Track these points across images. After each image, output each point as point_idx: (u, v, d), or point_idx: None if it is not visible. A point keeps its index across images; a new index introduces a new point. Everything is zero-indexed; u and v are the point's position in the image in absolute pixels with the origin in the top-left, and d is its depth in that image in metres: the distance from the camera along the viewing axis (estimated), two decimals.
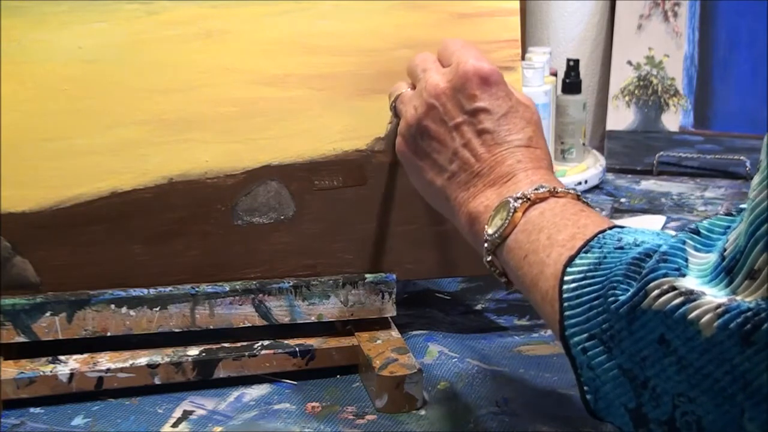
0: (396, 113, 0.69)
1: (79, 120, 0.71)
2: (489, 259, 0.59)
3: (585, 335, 0.50)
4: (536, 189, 0.58)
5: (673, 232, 0.51)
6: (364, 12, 0.75)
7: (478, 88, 0.63)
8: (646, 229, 0.53)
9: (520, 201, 0.57)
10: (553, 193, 0.58)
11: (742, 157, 1.25)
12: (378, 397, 0.67)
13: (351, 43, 0.75)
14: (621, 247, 0.50)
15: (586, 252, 0.52)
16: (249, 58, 0.74)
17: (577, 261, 0.52)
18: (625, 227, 0.54)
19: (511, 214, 0.57)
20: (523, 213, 0.57)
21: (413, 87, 0.68)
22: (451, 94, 0.63)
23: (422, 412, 0.67)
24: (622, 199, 1.17)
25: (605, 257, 0.50)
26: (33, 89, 0.70)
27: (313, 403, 0.68)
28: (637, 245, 0.50)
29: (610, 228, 0.53)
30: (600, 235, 0.52)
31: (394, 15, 0.76)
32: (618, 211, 1.12)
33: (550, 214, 0.56)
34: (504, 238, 0.57)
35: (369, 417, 0.67)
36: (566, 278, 0.51)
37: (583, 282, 0.50)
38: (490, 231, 0.58)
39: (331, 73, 0.75)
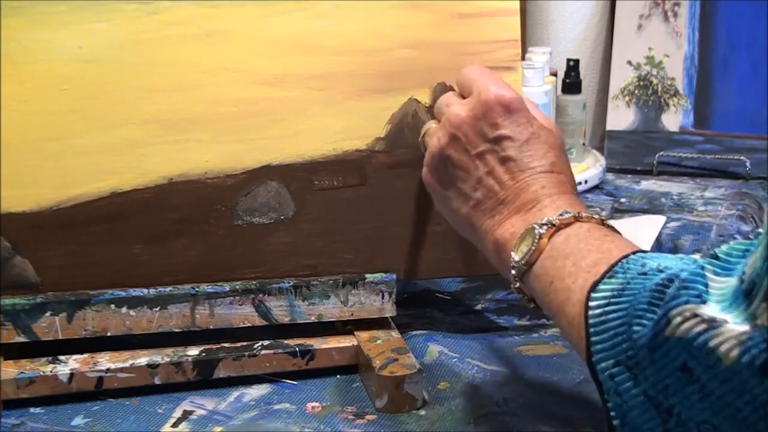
0: (425, 147, 0.70)
1: (79, 120, 0.71)
2: (517, 285, 0.59)
3: (611, 361, 0.50)
4: (561, 215, 0.58)
5: (697, 256, 0.51)
6: (364, 12, 0.75)
7: (500, 116, 0.63)
8: (669, 255, 0.53)
9: (545, 227, 0.58)
10: (577, 218, 0.58)
11: (742, 157, 1.25)
12: (378, 397, 0.67)
13: (351, 43, 0.75)
14: (644, 273, 0.50)
15: (609, 277, 0.52)
16: (249, 58, 0.74)
17: (601, 286, 0.52)
18: (649, 252, 0.54)
19: (536, 240, 0.57)
20: (549, 239, 0.57)
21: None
22: (473, 123, 0.64)
23: (422, 412, 0.67)
24: (622, 199, 1.17)
25: (629, 283, 0.51)
26: (33, 89, 0.70)
27: (313, 403, 0.68)
28: (661, 271, 0.50)
29: (634, 253, 0.53)
30: (624, 260, 0.53)
31: (394, 15, 0.76)
32: (618, 211, 1.12)
33: (575, 239, 0.56)
34: (530, 264, 0.58)
35: (369, 417, 0.67)
36: (591, 304, 0.51)
37: (607, 308, 0.51)
38: (516, 258, 0.59)
39: (331, 73, 0.75)
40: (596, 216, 0.59)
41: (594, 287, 0.52)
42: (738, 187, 1.22)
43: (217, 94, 0.73)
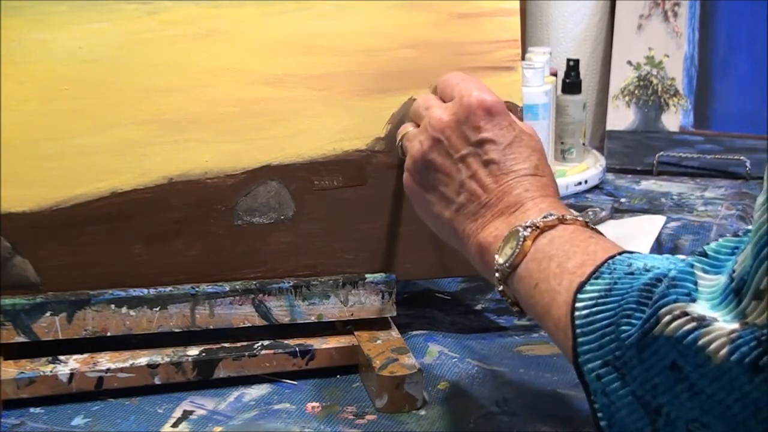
0: (403, 152, 0.70)
1: (79, 120, 0.71)
2: (501, 288, 0.59)
3: (599, 362, 0.50)
4: (545, 217, 0.58)
5: (683, 257, 0.51)
6: (364, 12, 0.75)
7: (482, 120, 0.63)
8: (656, 255, 0.53)
9: (529, 230, 0.57)
10: (561, 221, 0.58)
11: (742, 157, 1.25)
12: (378, 397, 0.67)
13: (351, 43, 0.75)
14: (631, 273, 0.50)
15: (596, 278, 0.52)
16: (249, 58, 0.74)
17: (588, 287, 0.52)
18: (635, 253, 0.54)
19: (521, 243, 0.57)
20: (533, 241, 0.57)
21: (418, 126, 0.68)
22: (455, 126, 0.63)
23: (422, 412, 0.67)
24: (622, 199, 1.17)
25: (616, 283, 0.50)
26: (33, 89, 0.70)
27: (313, 403, 0.68)
28: (648, 270, 0.50)
29: (620, 254, 0.53)
30: (609, 261, 0.52)
31: (394, 15, 0.76)
32: (618, 211, 1.12)
33: (560, 241, 0.56)
34: (514, 267, 0.57)
35: (369, 417, 0.67)
36: (578, 305, 0.51)
37: (594, 309, 0.50)
38: (500, 260, 0.58)
39: (331, 73, 0.75)
40: (580, 218, 0.59)
41: (580, 288, 0.52)
42: (738, 187, 1.22)
43: (217, 94, 0.73)
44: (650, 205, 1.15)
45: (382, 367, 0.68)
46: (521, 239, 0.57)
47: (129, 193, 0.72)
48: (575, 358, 0.51)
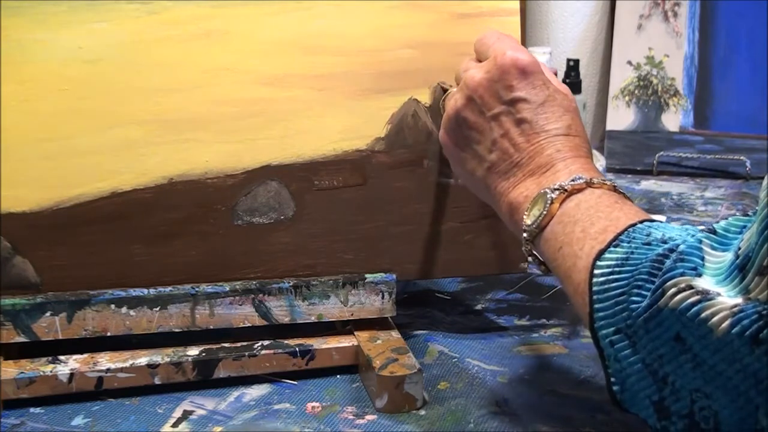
0: (443, 110, 0.71)
1: (79, 120, 0.71)
2: (528, 248, 0.60)
3: (612, 329, 0.51)
4: (573, 180, 0.59)
5: (702, 227, 0.52)
6: (364, 12, 0.75)
7: (515, 79, 0.63)
8: (675, 225, 0.54)
9: (557, 192, 0.58)
10: (589, 184, 0.59)
11: (742, 157, 1.25)
12: (378, 397, 0.67)
13: (351, 43, 0.75)
14: (648, 243, 0.51)
15: (615, 246, 0.53)
16: (249, 58, 0.74)
17: (607, 255, 0.53)
18: (656, 221, 0.54)
19: (548, 205, 0.58)
20: (560, 204, 0.58)
21: None
22: (488, 85, 0.64)
23: (422, 412, 0.67)
24: None
25: (633, 253, 0.51)
26: (33, 89, 0.70)
27: (313, 403, 0.68)
28: (664, 242, 0.51)
29: (641, 221, 0.54)
30: (630, 229, 0.53)
31: (394, 15, 0.76)
32: None
33: (586, 206, 0.57)
34: (541, 228, 0.59)
35: (369, 417, 0.67)
36: (596, 272, 0.52)
37: (610, 277, 0.52)
38: (528, 222, 0.59)
39: (331, 73, 0.75)
40: (608, 182, 0.59)
41: (599, 255, 0.53)
42: (738, 187, 1.22)
43: (217, 94, 0.73)
44: (650, 205, 1.15)
45: (382, 367, 0.68)
46: (549, 201, 0.58)
47: (129, 193, 0.72)
48: (591, 323, 0.52)
